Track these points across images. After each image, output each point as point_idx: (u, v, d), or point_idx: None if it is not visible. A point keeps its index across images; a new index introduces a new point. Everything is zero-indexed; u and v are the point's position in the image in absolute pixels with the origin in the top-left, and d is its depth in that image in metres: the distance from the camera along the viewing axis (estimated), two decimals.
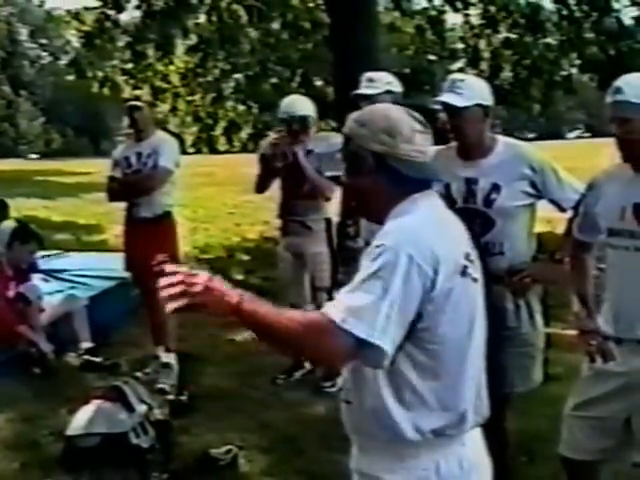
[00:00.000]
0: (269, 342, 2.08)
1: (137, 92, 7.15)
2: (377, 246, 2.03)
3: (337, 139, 5.32)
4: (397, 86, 5.02)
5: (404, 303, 1.99)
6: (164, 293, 2.00)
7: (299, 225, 5.91)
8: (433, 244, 2.05)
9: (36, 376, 6.14)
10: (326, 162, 5.39)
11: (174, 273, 2.02)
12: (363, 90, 4.87)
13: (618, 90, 3.05)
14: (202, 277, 2.03)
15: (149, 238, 5.87)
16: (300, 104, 5.87)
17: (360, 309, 1.96)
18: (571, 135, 52.07)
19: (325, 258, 5.85)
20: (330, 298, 5.87)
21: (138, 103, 6.32)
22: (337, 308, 1.99)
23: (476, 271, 2.18)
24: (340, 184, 2.42)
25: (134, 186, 6.09)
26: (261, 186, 6.05)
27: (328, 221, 5.86)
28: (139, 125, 6.14)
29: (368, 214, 2.41)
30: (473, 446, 2.22)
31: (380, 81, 4.94)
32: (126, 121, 6.33)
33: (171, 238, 6.23)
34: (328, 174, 5.31)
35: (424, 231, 2.08)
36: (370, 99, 4.62)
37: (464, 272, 2.12)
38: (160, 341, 6.11)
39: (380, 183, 2.19)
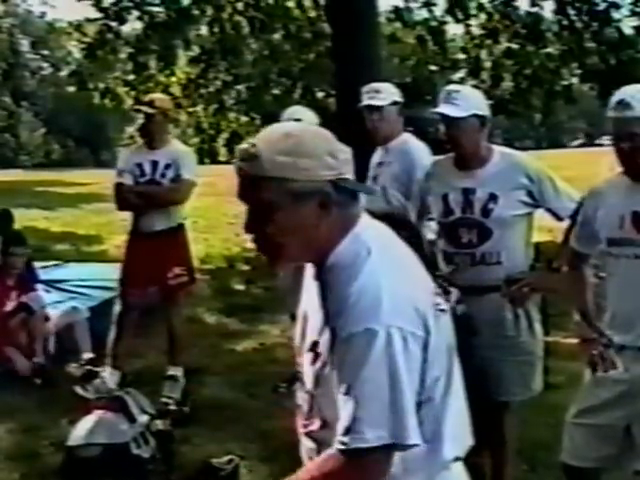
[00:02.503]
0: None
1: (153, 96, 6.81)
2: (358, 333, 1.75)
3: None
4: (399, 96, 5.03)
5: (413, 381, 1.80)
6: None
7: None
8: (412, 299, 1.83)
9: (37, 387, 6.14)
10: None
11: None
12: (373, 102, 4.82)
13: (627, 106, 3.04)
14: None
15: (165, 252, 5.79)
16: (301, 116, 5.60)
17: (376, 413, 1.73)
18: (574, 144, 52.01)
19: None
20: None
21: (154, 110, 5.89)
22: (349, 429, 1.74)
23: (442, 299, 1.98)
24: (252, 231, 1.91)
25: (155, 197, 5.83)
26: None
27: None
28: (153, 132, 5.88)
29: (300, 261, 2.00)
30: (459, 469, 2.05)
31: (386, 92, 4.94)
32: (138, 126, 6.12)
33: (187, 251, 6.12)
34: None
35: (397, 289, 1.81)
36: (380, 110, 4.67)
37: (439, 311, 1.92)
38: (173, 354, 5.99)
39: (323, 223, 1.86)
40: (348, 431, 1.74)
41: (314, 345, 1.90)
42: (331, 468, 1.79)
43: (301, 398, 2.02)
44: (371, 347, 1.73)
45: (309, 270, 2.00)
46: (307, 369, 1.94)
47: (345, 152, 1.90)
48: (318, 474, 1.83)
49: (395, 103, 4.92)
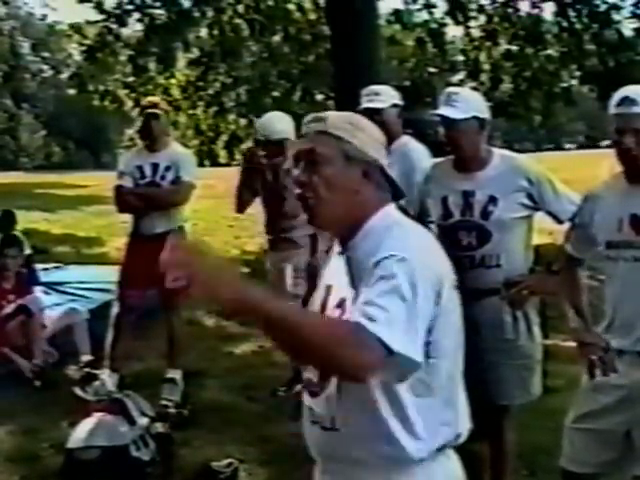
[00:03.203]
0: (286, 343, 1.88)
1: (153, 98, 6.79)
2: (388, 257, 1.90)
3: None
4: (399, 99, 5.01)
5: (426, 315, 1.91)
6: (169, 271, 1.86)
7: (285, 241, 5.71)
8: (434, 260, 2.00)
9: (36, 389, 6.12)
10: None
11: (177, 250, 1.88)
12: (372, 104, 4.74)
13: (633, 102, 3.04)
14: (214, 259, 1.86)
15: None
16: (277, 125, 5.55)
17: (391, 320, 1.81)
18: (573, 146, 52.07)
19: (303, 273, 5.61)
20: None
21: (157, 111, 5.95)
22: (366, 317, 1.81)
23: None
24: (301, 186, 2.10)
25: (155, 199, 5.84)
26: (240, 205, 5.84)
27: (313, 237, 5.53)
28: (155, 134, 5.89)
29: (335, 226, 2.15)
30: (454, 458, 2.14)
31: (386, 94, 4.90)
32: (138, 128, 6.07)
33: None
34: None
35: (423, 247, 2.01)
36: (379, 113, 4.60)
37: (456, 287, 2.07)
38: (172, 357, 5.97)
39: (363, 191, 2.08)
40: (364, 313, 1.81)
41: (341, 302, 2.04)
42: (343, 326, 1.88)
43: (311, 370, 2.11)
44: (397, 269, 1.87)
45: (335, 248, 2.18)
46: None
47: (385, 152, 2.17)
48: (327, 319, 1.99)
49: (395, 106, 4.88)
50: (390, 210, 2.12)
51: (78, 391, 5.27)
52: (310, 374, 2.11)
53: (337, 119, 2.11)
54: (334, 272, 2.15)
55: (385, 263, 1.89)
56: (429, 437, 2.00)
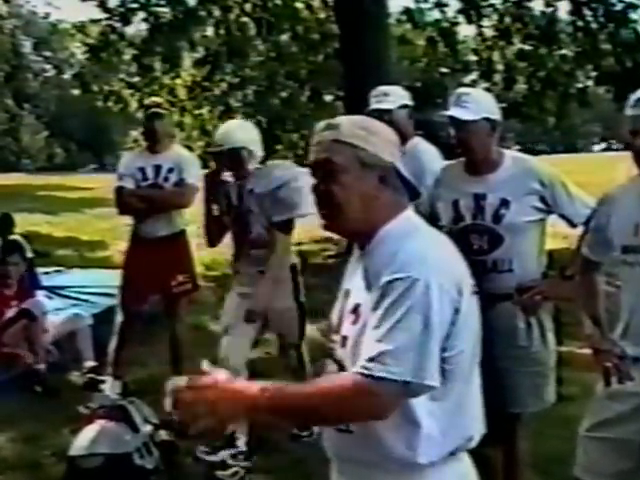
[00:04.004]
0: (306, 424, 2.06)
1: (156, 99, 6.66)
2: (401, 279, 1.94)
3: (279, 172, 4.82)
4: (409, 100, 4.93)
5: (441, 334, 1.95)
6: (179, 417, 2.04)
7: (257, 275, 4.87)
8: (452, 267, 2.05)
9: (38, 395, 6.10)
10: (270, 205, 4.73)
11: (182, 394, 2.03)
12: (381, 105, 4.64)
13: None
14: (211, 388, 2.00)
15: (167, 258, 5.73)
16: (234, 135, 4.86)
17: (403, 351, 1.89)
18: (596, 148, 52.11)
19: (293, 313, 5.02)
20: (299, 354, 5.02)
21: (160, 111, 5.91)
22: (374, 358, 1.89)
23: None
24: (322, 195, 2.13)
25: (158, 201, 5.76)
26: (211, 239, 5.16)
27: (293, 268, 4.99)
28: (158, 135, 5.80)
29: (355, 233, 2.20)
30: (467, 460, 2.17)
31: (395, 94, 4.82)
32: (141, 130, 6.05)
33: (190, 257, 6.05)
34: (276, 219, 4.73)
35: (441, 255, 2.05)
36: (389, 114, 4.52)
37: (474, 293, 2.11)
38: (177, 363, 5.88)
39: (381, 196, 2.12)
40: (373, 360, 1.89)
41: (356, 307, 2.07)
42: (346, 387, 1.92)
43: (329, 370, 2.16)
44: (410, 291, 1.92)
45: (355, 253, 2.22)
46: (348, 330, 2.08)
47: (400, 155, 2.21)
48: (329, 389, 1.96)
49: (404, 106, 4.80)
50: (408, 215, 2.15)
51: (82, 409, 5.31)
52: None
53: (350, 125, 2.13)
54: (352, 275, 2.18)
55: (398, 285, 1.94)
56: (442, 440, 2.04)
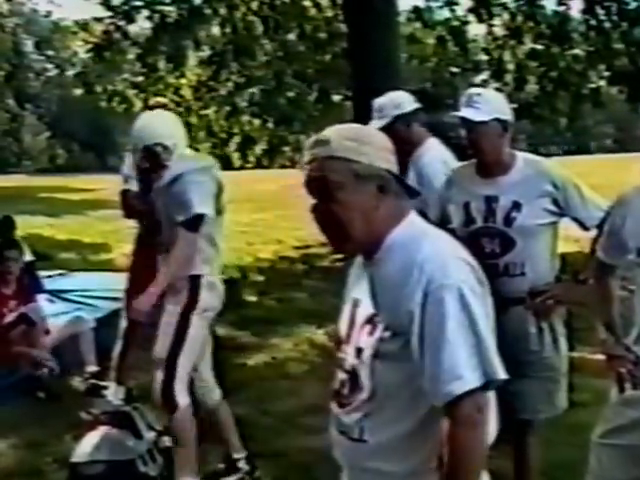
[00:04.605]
0: None
1: (160, 99, 6.54)
2: (432, 292, 1.96)
3: (176, 165, 4.24)
4: (409, 103, 4.57)
5: (488, 324, 2.01)
6: None
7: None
8: (469, 264, 2.06)
9: (40, 400, 6.08)
10: (168, 201, 4.24)
11: None
12: (375, 123, 4.21)
13: None
14: None
15: None
16: (147, 129, 4.39)
17: (470, 359, 1.92)
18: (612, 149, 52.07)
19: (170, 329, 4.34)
20: (169, 374, 4.27)
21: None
22: (449, 379, 1.91)
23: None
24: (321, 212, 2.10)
25: None
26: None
27: (193, 279, 4.34)
28: None
29: (360, 246, 2.15)
30: None
31: (387, 108, 4.45)
32: None
33: None
34: (179, 219, 4.16)
35: (458, 254, 2.07)
36: (385, 132, 4.14)
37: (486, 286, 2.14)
38: None
39: (381, 205, 2.10)
40: (447, 381, 1.90)
41: (372, 317, 2.07)
42: (459, 431, 1.92)
43: (340, 380, 2.17)
44: (447, 300, 1.94)
45: (358, 260, 2.22)
46: (364, 342, 2.07)
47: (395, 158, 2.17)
48: (458, 445, 1.93)
49: (398, 118, 4.41)
50: (412, 219, 2.15)
51: (85, 415, 5.22)
52: (339, 385, 2.17)
53: (340, 139, 2.09)
54: (358, 284, 2.18)
55: (433, 300, 1.95)
56: None
